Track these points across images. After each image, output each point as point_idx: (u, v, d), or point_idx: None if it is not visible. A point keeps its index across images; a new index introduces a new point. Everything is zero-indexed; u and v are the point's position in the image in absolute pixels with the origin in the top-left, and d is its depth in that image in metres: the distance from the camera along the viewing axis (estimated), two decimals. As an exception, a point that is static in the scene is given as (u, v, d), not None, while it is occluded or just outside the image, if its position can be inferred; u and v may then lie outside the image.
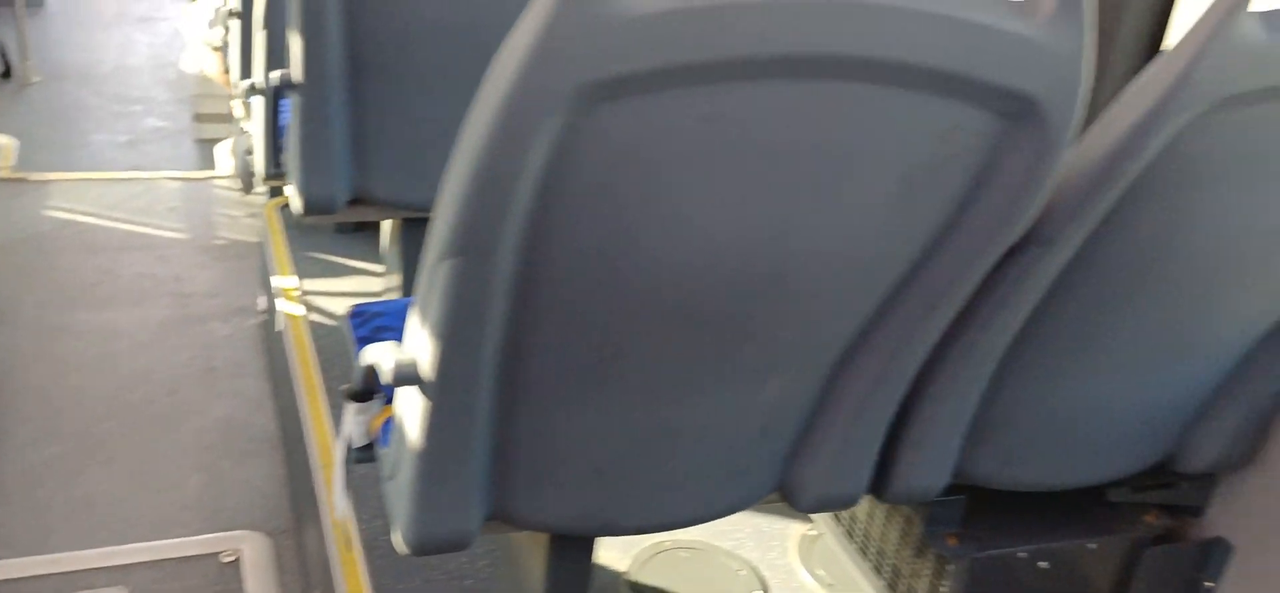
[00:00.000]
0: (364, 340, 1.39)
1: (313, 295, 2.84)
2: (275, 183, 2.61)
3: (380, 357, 1.06)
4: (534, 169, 0.86)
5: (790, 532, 2.12)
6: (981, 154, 0.97)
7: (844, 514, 1.83)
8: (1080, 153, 1.05)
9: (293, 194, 1.90)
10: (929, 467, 1.33)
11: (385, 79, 1.81)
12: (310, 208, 1.88)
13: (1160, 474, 1.55)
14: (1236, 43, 0.97)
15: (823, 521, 1.95)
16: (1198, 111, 1.01)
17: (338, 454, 1.29)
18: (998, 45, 0.89)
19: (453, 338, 0.96)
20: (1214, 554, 1.61)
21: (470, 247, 0.90)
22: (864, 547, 1.77)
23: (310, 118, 1.80)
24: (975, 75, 0.90)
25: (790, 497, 1.32)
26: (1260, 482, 1.56)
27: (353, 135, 1.84)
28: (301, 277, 2.91)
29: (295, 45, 1.75)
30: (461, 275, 0.91)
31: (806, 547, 2.07)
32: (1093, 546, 1.57)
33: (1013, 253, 1.10)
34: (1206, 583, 1.63)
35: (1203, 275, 1.20)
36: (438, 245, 0.92)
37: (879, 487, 1.34)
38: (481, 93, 0.85)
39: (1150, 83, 1.00)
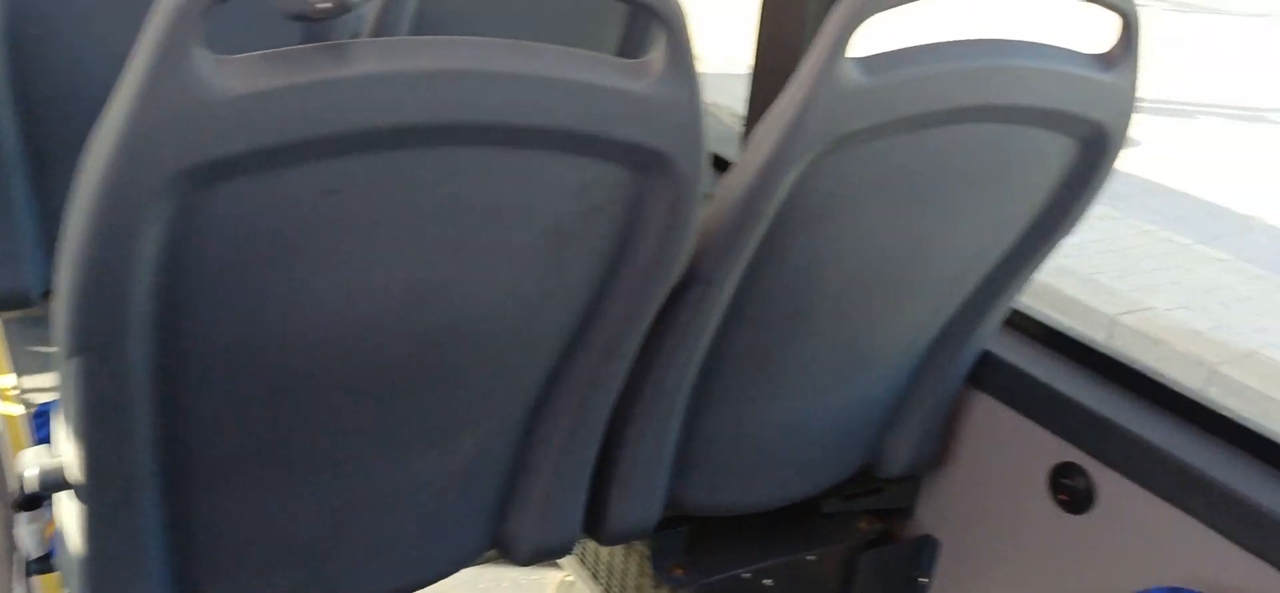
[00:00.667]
0: (44, 441, 1.31)
1: (33, 392, 2.63)
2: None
3: (30, 462, 0.99)
4: (147, 256, 0.83)
5: (547, 580, 2.13)
6: (623, 205, 1.02)
7: (588, 556, 1.86)
8: (721, 196, 1.11)
9: None
10: (639, 503, 1.37)
11: (67, 163, 1.71)
12: (3, 303, 1.77)
13: (867, 481, 1.66)
14: (839, 88, 1.04)
15: (571, 564, 1.97)
16: (816, 152, 1.08)
17: (15, 568, 1.21)
18: (612, 104, 0.92)
19: (95, 437, 0.92)
20: (924, 551, 1.73)
21: (92, 342, 0.86)
22: (608, 585, 1.80)
23: None
24: (596, 133, 0.93)
25: (506, 551, 1.33)
26: (955, 477, 1.69)
27: (41, 223, 1.74)
28: (19, 373, 2.69)
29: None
30: (90, 372, 0.87)
31: (564, 592, 2.09)
32: (812, 557, 1.66)
33: (679, 292, 1.15)
34: (920, 579, 1.75)
35: (858, 296, 1.29)
36: (62, 342, 0.88)
37: (594, 529, 1.37)
38: (79, 182, 0.82)
39: (769, 129, 1.07)
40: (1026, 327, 1.64)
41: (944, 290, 1.38)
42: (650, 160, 0.98)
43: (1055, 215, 1.32)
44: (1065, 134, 1.23)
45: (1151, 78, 9.46)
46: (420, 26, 1.70)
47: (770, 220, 1.12)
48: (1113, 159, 1.27)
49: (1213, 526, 1.32)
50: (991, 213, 1.29)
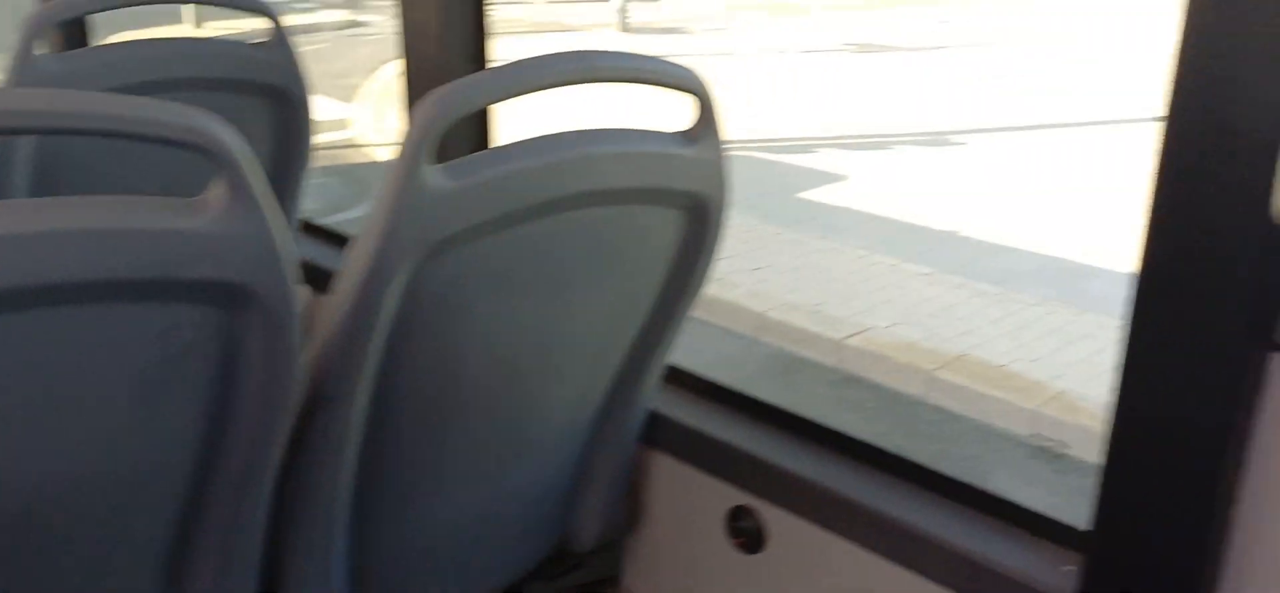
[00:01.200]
0: None
1: None
2: None
3: None
4: None
5: None
6: (215, 342, 0.99)
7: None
8: (326, 316, 1.10)
9: None
10: None
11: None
12: None
13: (567, 558, 1.67)
14: (425, 197, 1.05)
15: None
16: (415, 259, 1.08)
17: None
18: (171, 245, 0.91)
19: None
20: (634, 613, 1.76)
21: None
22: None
23: None
24: (158, 277, 0.91)
25: None
26: (650, 536, 1.73)
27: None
28: None
29: None
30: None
31: None
32: None
33: (307, 414, 1.13)
34: None
35: (502, 385, 1.30)
36: None
37: None
38: None
39: (363, 244, 1.07)
40: (690, 383, 1.71)
41: (589, 367, 1.41)
42: (230, 295, 0.96)
43: (681, 280, 1.38)
44: (668, 207, 1.28)
45: (849, 115, 10.25)
46: (40, 181, 1.65)
47: (386, 331, 1.12)
48: (718, 222, 1.34)
49: (871, 548, 1.41)
50: (617, 289, 1.33)
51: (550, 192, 1.14)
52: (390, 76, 11.48)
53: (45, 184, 1.65)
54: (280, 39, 1.87)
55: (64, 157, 1.66)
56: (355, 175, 8.16)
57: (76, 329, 0.91)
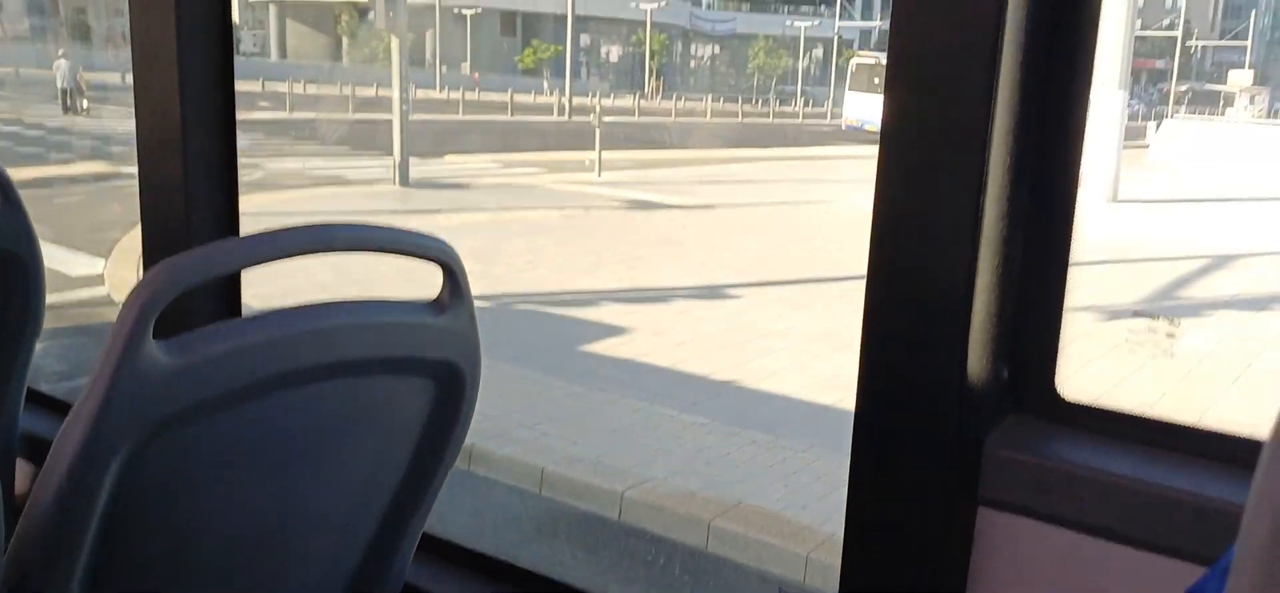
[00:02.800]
0: None
1: None
2: None
3: None
4: None
5: None
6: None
7: None
8: (31, 505, 1.02)
9: None
10: None
11: None
12: None
13: None
14: (145, 374, 1.00)
15: None
16: (133, 441, 1.02)
17: None
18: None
19: None
20: None
21: None
22: None
23: None
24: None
25: None
26: None
27: None
28: None
29: None
30: None
31: None
32: None
33: None
34: None
35: (241, 563, 1.22)
36: None
37: None
38: None
39: (73, 425, 1.00)
40: (451, 554, 1.67)
41: (337, 541, 1.35)
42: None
43: (433, 449, 1.35)
44: (416, 375, 1.27)
45: (630, 273, 10.58)
46: None
47: (100, 518, 1.03)
48: (473, 388, 1.33)
49: None
50: (362, 462, 1.30)
51: (285, 365, 1.11)
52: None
53: None
54: (8, 199, 1.73)
55: None
56: (105, 335, 7.63)
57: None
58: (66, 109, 23.40)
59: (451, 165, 20.26)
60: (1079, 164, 1.20)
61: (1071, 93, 1.20)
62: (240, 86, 1.78)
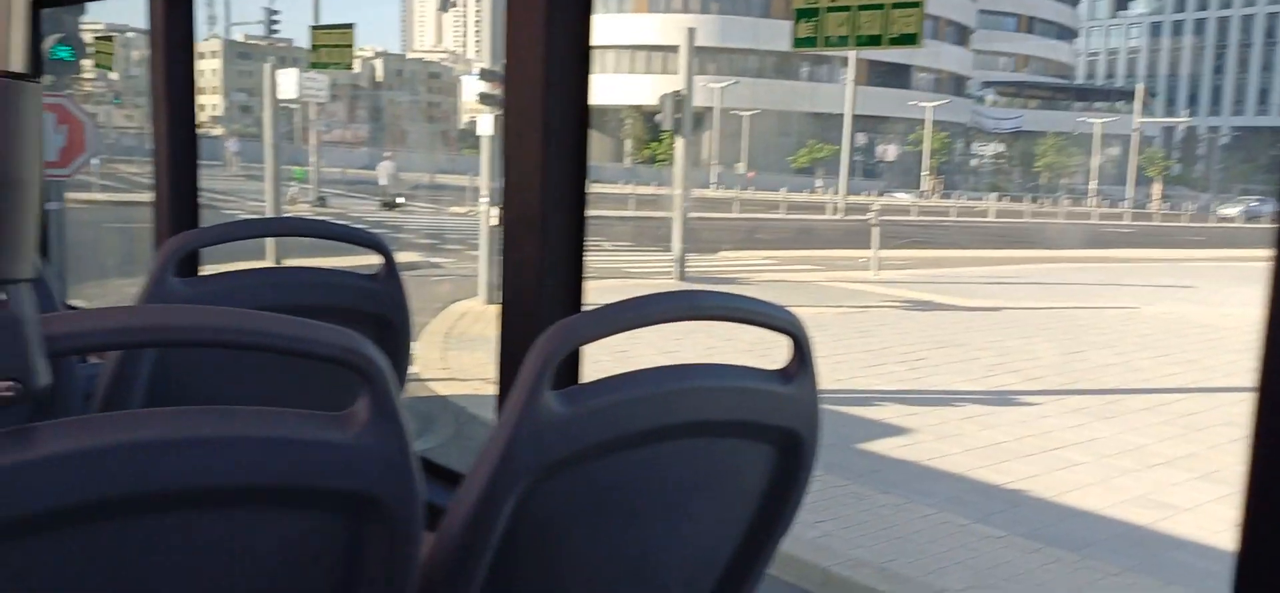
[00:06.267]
0: None
1: None
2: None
3: None
4: None
5: None
6: (339, 554, 1.02)
7: None
8: (443, 530, 1.11)
9: None
10: None
11: None
12: None
13: None
14: (540, 421, 1.08)
15: None
16: (529, 480, 1.10)
17: None
18: (322, 456, 0.95)
19: None
20: None
21: None
22: None
23: None
24: (304, 485, 0.95)
25: None
26: None
27: None
28: None
29: None
30: None
31: None
32: None
33: None
34: None
35: None
36: None
37: None
38: None
39: (481, 465, 1.10)
40: None
41: None
42: (363, 507, 0.99)
43: (771, 515, 1.37)
44: (762, 441, 1.30)
45: (912, 374, 10.20)
46: (156, 390, 1.70)
47: (493, 551, 1.12)
48: (811, 459, 1.34)
49: None
50: (710, 519, 1.33)
51: (656, 420, 1.17)
52: (456, 316, 11.77)
53: (158, 401, 1.70)
54: (391, 272, 1.95)
55: (173, 373, 1.70)
56: (416, 410, 8.22)
57: (217, 533, 0.93)
58: (384, 205, 25.88)
59: (727, 261, 20.57)
60: None
61: None
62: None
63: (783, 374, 1.31)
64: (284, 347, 0.92)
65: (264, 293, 1.83)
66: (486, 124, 13.69)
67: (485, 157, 13.92)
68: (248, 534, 0.95)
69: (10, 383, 0.83)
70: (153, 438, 0.86)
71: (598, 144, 54.01)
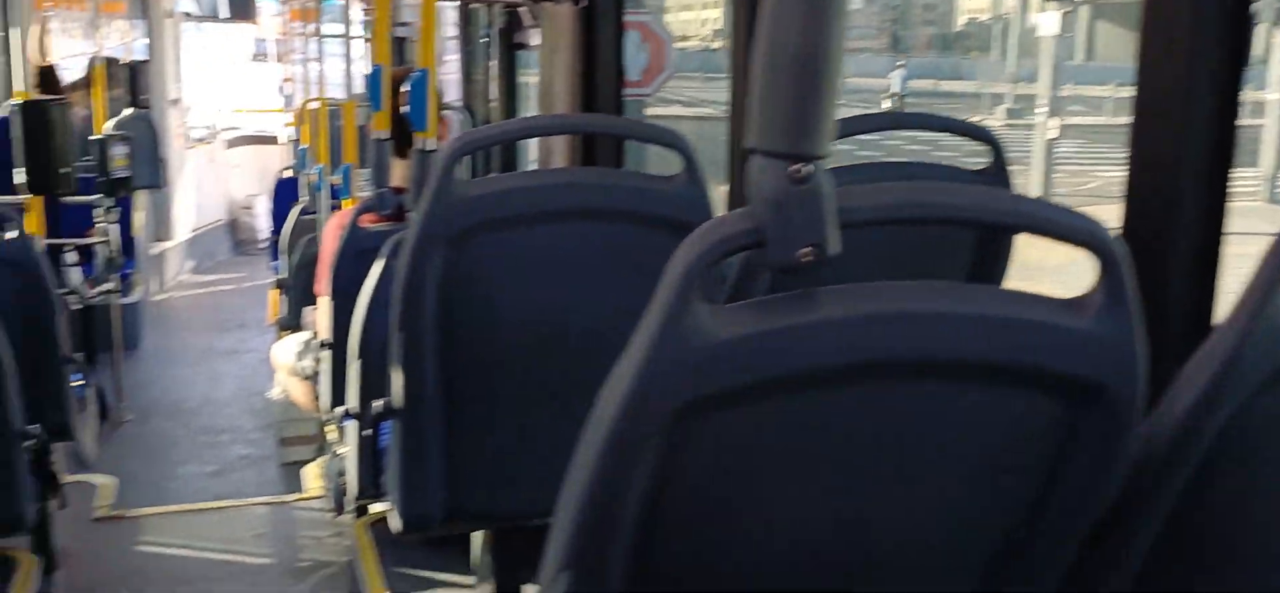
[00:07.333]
0: None
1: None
2: (366, 502, 2.63)
3: None
4: (639, 488, 0.92)
5: None
6: (1054, 440, 1.02)
7: None
8: (1147, 435, 1.05)
9: (392, 514, 2.00)
10: None
11: (478, 402, 1.95)
12: (409, 526, 1.97)
13: None
14: (1277, 319, 0.97)
15: None
16: (1250, 389, 1.00)
17: None
18: (1056, 339, 0.96)
19: None
20: None
21: (581, 560, 0.95)
22: None
23: (409, 442, 1.93)
24: (1040, 367, 0.97)
25: None
26: None
27: (448, 456, 1.96)
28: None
29: (396, 378, 1.89)
30: (573, 588, 0.96)
31: None
32: None
33: (1097, 537, 1.09)
34: None
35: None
36: (552, 562, 0.97)
37: None
38: (590, 421, 0.93)
39: (1203, 362, 1.01)
40: None
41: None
42: (1087, 393, 0.99)
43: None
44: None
45: None
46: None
47: (1196, 464, 1.04)
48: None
49: None
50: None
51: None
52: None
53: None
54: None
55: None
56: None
57: (953, 407, 0.99)
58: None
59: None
60: None
61: None
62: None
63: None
64: (1037, 228, 0.97)
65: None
66: (1050, 22, 13.06)
67: (1046, 63, 13.21)
68: (979, 411, 0.99)
69: (811, 248, 0.90)
70: (918, 309, 0.94)
71: (1122, 44, 45.93)
